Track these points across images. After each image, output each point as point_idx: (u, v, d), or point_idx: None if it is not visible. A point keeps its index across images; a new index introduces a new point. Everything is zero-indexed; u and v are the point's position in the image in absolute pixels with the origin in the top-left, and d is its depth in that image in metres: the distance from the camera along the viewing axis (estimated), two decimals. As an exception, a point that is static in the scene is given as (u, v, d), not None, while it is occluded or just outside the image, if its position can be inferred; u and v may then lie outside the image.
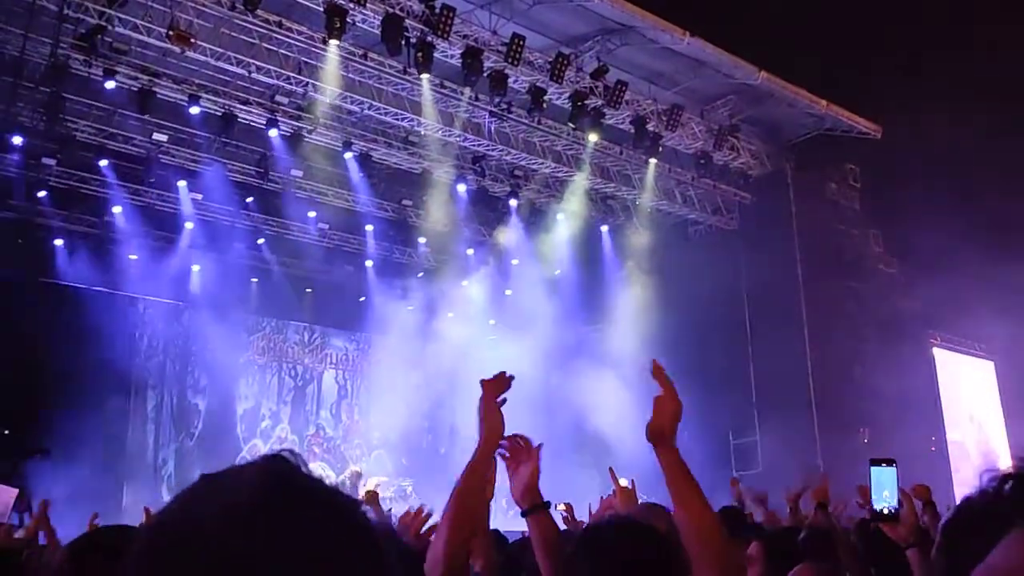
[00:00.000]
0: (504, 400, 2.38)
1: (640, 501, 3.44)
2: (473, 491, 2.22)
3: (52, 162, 13.88)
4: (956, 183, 15.89)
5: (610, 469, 2.62)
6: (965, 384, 20.34)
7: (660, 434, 2.14)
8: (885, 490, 2.65)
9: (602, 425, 15.15)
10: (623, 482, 3.50)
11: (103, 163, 14.48)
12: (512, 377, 2.42)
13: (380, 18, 12.08)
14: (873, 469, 2.64)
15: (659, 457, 2.14)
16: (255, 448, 17.58)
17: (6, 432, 11.53)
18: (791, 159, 17.69)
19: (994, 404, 20.75)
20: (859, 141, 17.21)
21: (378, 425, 18.64)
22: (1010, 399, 20.13)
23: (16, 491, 10.78)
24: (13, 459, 11.28)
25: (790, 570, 3.08)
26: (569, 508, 6.83)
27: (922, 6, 16.23)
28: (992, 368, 21.01)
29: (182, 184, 15.31)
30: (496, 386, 2.39)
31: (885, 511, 2.66)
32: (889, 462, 2.63)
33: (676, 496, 2.08)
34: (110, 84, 12.34)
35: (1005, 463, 1.26)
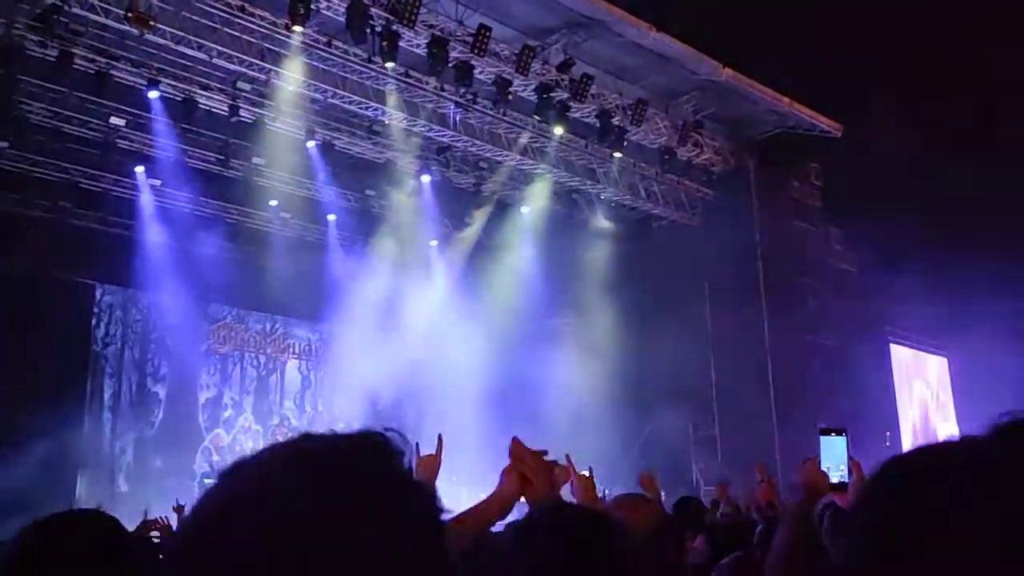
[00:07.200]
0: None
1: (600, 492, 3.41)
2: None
3: (4, 144, 13.55)
4: (914, 183, 16.15)
5: (567, 456, 2.61)
6: (920, 379, 20.74)
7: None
8: (833, 460, 2.68)
9: (565, 415, 15.16)
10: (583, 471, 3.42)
11: (58, 147, 14.15)
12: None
13: (345, 5, 11.93)
14: (822, 439, 2.65)
15: None
16: (218, 437, 17.37)
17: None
18: (754, 156, 17.83)
19: (947, 399, 21.19)
20: (821, 139, 17.41)
21: (342, 415, 18.49)
22: (962, 394, 20.57)
23: None
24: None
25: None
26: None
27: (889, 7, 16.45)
28: (945, 364, 21.45)
29: (140, 170, 15.02)
30: (533, 459, 2.24)
31: (835, 481, 2.70)
32: (839, 432, 2.65)
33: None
34: (66, 66, 12.05)
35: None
